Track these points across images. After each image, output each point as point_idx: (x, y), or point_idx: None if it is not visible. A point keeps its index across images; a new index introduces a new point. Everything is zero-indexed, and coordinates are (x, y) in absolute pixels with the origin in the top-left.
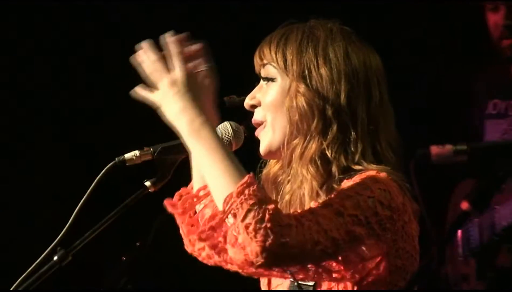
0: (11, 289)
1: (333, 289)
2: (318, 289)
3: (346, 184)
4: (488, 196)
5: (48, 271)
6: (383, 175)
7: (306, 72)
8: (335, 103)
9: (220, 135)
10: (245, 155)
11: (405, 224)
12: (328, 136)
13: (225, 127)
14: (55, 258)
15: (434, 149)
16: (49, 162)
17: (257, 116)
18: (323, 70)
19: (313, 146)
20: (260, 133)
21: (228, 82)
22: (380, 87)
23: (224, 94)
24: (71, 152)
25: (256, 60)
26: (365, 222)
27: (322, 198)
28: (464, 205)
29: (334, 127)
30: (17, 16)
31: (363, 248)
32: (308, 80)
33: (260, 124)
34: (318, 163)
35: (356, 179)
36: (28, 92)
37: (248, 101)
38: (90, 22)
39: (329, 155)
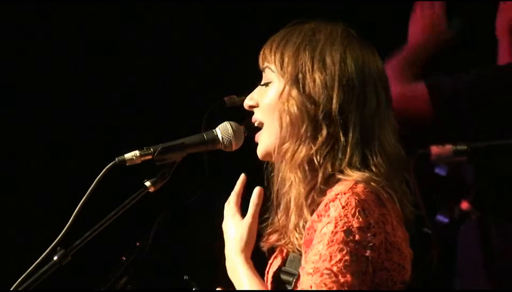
0: (11, 289)
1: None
2: (296, 289)
3: (322, 208)
4: (488, 196)
5: (48, 271)
6: (359, 187)
7: (300, 76)
8: (326, 109)
9: (220, 135)
10: (244, 155)
11: (387, 235)
12: (317, 142)
13: (225, 127)
14: (55, 258)
15: (434, 149)
16: (49, 161)
17: (256, 116)
18: (317, 75)
19: (302, 151)
20: (259, 136)
21: (228, 82)
22: (378, 94)
23: (224, 94)
24: (71, 151)
25: (260, 61)
26: (352, 259)
27: (305, 212)
28: (464, 205)
29: (324, 134)
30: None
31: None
32: (301, 84)
33: (259, 123)
34: (306, 168)
35: (332, 195)
36: (28, 91)
37: (247, 102)
38: (89, 21)
39: (316, 161)
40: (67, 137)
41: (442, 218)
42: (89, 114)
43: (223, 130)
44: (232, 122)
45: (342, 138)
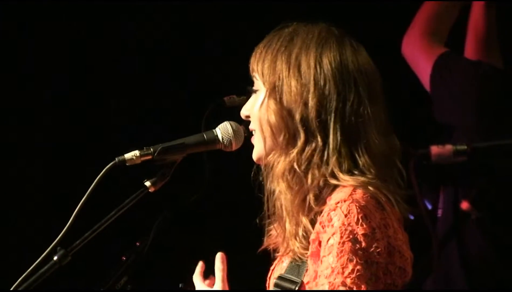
0: (11, 289)
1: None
2: (302, 289)
3: (324, 219)
4: (488, 196)
5: (48, 271)
6: (358, 193)
7: (278, 83)
8: (303, 115)
9: (220, 135)
10: (244, 155)
11: (389, 238)
12: (294, 150)
13: (225, 127)
14: (55, 258)
15: (434, 149)
16: (49, 161)
17: (251, 125)
18: (292, 82)
19: (284, 160)
20: (253, 140)
21: (228, 82)
22: (358, 92)
23: (224, 94)
24: (71, 151)
25: (250, 69)
26: (364, 267)
27: (303, 221)
28: (464, 205)
29: (301, 140)
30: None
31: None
32: (278, 93)
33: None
34: (289, 177)
35: (332, 204)
36: (28, 91)
37: (243, 112)
38: (89, 20)
39: (296, 168)
40: (68, 137)
41: (426, 204)
42: (89, 114)
43: (223, 130)
44: (232, 122)
45: (321, 143)
